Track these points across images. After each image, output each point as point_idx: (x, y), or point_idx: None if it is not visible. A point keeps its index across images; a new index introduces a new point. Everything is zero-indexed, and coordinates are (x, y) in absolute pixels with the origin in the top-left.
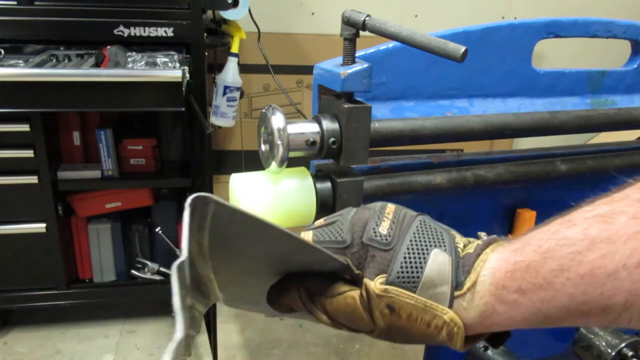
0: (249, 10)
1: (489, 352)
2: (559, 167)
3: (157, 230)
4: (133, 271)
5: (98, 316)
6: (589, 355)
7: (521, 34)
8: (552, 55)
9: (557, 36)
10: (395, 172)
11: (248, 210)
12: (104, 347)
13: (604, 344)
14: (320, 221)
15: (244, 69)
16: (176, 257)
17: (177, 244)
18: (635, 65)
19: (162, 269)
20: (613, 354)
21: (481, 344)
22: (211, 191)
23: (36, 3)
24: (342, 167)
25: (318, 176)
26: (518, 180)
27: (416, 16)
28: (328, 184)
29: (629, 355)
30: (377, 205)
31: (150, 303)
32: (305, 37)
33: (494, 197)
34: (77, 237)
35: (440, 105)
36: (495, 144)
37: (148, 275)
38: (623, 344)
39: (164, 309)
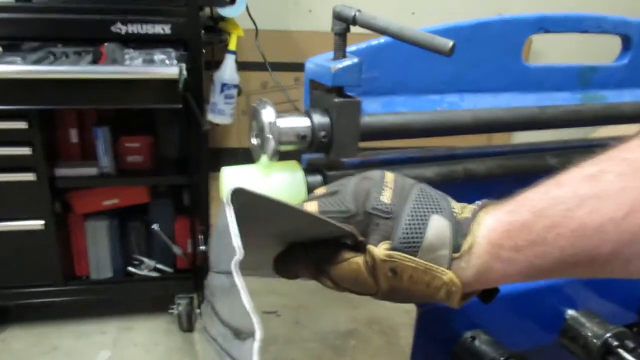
0: (247, 8)
1: (476, 342)
2: (549, 161)
3: (153, 227)
4: (130, 268)
5: (95, 313)
6: (575, 346)
7: (512, 29)
8: (549, 52)
9: (547, 31)
10: (386, 166)
11: (270, 195)
12: (101, 344)
13: (590, 334)
14: (322, 190)
15: (241, 66)
16: (172, 254)
17: (174, 241)
18: (626, 61)
19: (158, 265)
20: (599, 344)
21: (468, 335)
22: (207, 189)
23: (34, 0)
24: (332, 160)
25: (309, 170)
26: (508, 174)
27: (413, 13)
28: (319, 177)
29: (614, 345)
30: (377, 174)
31: (147, 300)
32: (302, 34)
33: (485, 191)
34: (74, 234)
35: (431, 100)
36: (493, 139)
37: (145, 272)
38: (608, 334)
39: (161, 306)
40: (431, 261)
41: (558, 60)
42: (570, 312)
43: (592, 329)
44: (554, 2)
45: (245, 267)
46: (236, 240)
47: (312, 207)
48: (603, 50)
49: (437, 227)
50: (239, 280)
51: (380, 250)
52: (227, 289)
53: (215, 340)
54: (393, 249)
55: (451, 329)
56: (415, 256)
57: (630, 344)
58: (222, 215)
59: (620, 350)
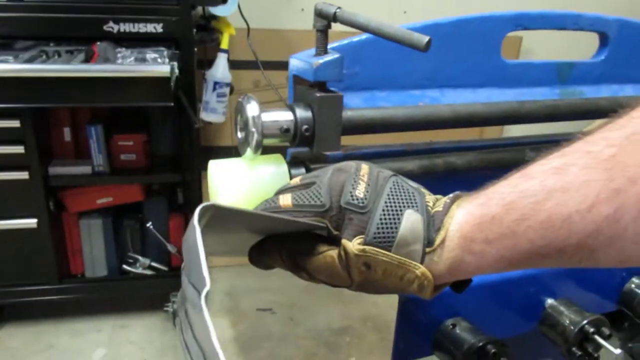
0: (239, 7)
1: (457, 329)
2: (527, 154)
3: (148, 225)
4: (125, 266)
5: (90, 311)
6: (554, 333)
7: (490, 27)
8: (539, 50)
9: (525, 28)
10: (369, 160)
11: (240, 207)
12: (97, 342)
13: (567, 321)
14: (297, 180)
15: (234, 65)
16: (167, 252)
17: (169, 239)
18: (603, 57)
19: (153, 263)
20: (575, 331)
21: (449, 323)
22: (200, 187)
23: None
24: (316, 154)
25: (293, 163)
26: (488, 167)
27: (405, 12)
28: (302, 170)
29: (591, 331)
30: (352, 167)
31: (142, 298)
32: (295, 33)
33: (466, 184)
34: (68, 232)
35: (412, 95)
36: (485, 134)
37: (140, 270)
38: (585, 321)
39: (155, 304)
40: (404, 256)
41: (549, 58)
42: (550, 301)
43: (570, 317)
44: (548, 4)
45: (224, 251)
46: (205, 270)
47: (286, 199)
48: (592, 48)
49: (411, 221)
50: (208, 317)
51: (354, 244)
52: (198, 310)
53: (189, 352)
54: (367, 243)
55: (432, 316)
56: (388, 251)
57: (606, 331)
58: (190, 230)
59: (596, 337)
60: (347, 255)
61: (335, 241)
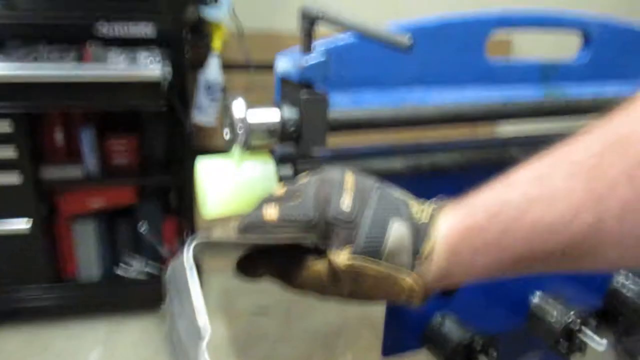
0: (232, 8)
1: (445, 324)
2: (512, 153)
3: (142, 227)
4: (119, 268)
5: (86, 314)
6: (541, 327)
7: (474, 27)
8: (529, 52)
9: (509, 26)
10: (357, 158)
11: (227, 237)
12: (92, 344)
13: (554, 315)
14: (282, 190)
15: (226, 67)
16: (161, 254)
17: (163, 241)
18: (586, 57)
19: (148, 265)
20: (561, 325)
21: (438, 318)
22: (191, 188)
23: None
24: (303, 152)
25: (280, 161)
26: (475, 166)
27: (399, 15)
28: (290, 168)
29: (577, 325)
30: (336, 177)
31: (137, 300)
32: (288, 35)
33: (454, 183)
34: (62, 235)
35: (398, 94)
36: (478, 132)
37: (134, 273)
38: (571, 315)
39: (150, 306)
40: (392, 267)
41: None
42: (537, 296)
43: (556, 311)
44: (543, 5)
45: (219, 255)
46: (204, 319)
47: (271, 214)
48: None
49: (398, 232)
50: None
51: (341, 257)
52: (196, 353)
53: None
54: (354, 256)
55: (421, 311)
56: (376, 262)
57: (593, 324)
58: (181, 269)
59: (583, 330)
60: (336, 267)
61: (322, 253)
